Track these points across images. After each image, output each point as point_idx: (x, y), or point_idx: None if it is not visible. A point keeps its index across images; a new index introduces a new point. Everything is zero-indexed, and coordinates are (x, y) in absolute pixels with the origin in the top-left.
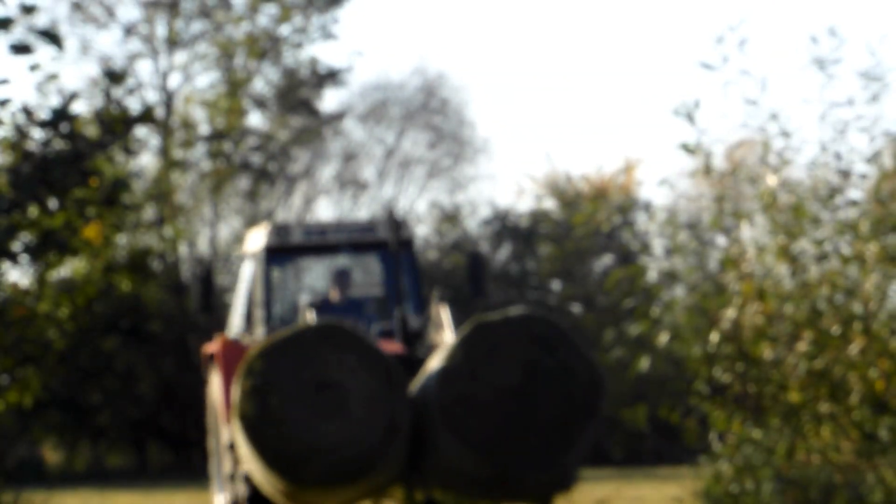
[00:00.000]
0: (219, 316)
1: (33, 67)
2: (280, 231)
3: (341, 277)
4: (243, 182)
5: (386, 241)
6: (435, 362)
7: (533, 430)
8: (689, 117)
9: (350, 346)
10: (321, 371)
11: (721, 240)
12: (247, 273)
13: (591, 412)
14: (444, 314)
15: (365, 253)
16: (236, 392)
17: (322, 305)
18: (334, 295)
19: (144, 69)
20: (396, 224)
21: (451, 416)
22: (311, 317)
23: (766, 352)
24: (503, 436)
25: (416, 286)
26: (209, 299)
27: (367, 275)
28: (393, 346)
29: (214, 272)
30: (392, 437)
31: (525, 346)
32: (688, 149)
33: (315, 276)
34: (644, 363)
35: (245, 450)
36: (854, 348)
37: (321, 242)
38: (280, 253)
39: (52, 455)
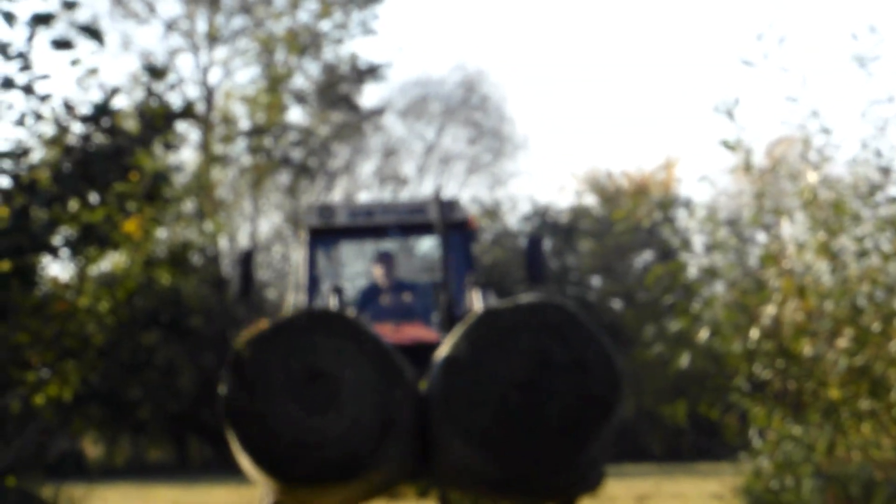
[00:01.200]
0: (259, 309)
1: (74, 62)
2: (324, 211)
3: (386, 260)
4: (283, 177)
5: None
6: (441, 351)
7: (543, 427)
8: (730, 114)
9: (346, 334)
10: (313, 361)
11: (761, 236)
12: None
13: (608, 409)
14: (477, 298)
15: (415, 235)
16: (222, 383)
17: (368, 291)
18: (381, 279)
19: (185, 65)
20: (443, 204)
21: (453, 410)
22: (333, 302)
23: (806, 348)
24: (510, 433)
25: (472, 268)
26: (249, 284)
27: (425, 259)
28: (425, 333)
29: (254, 257)
30: (388, 432)
31: (536, 335)
32: (728, 145)
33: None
34: (684, 359)
35: (234, 444)
36: (895, 345)
37: (368, 224)
38: (324, 235)
39: (92, 449)
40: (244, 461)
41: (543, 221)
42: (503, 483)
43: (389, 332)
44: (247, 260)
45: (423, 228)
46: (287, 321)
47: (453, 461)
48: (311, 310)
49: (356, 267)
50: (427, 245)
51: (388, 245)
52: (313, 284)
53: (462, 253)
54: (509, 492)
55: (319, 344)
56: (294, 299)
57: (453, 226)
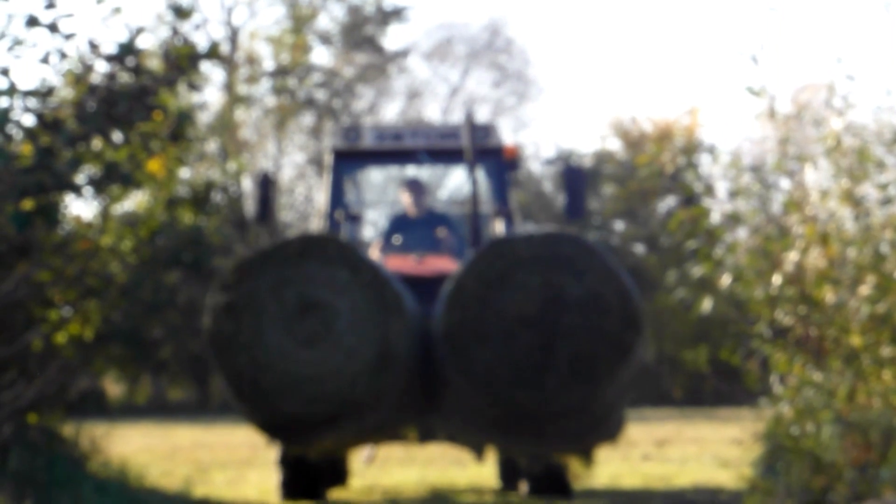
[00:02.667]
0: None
1: (99, 1)
2: (350, 133)
3: (414, 187)
4: (307, 118)
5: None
6: (446, 284)
7: (552, 368)
8: (755, 60)
9: (341, 261)
10: (306, 289)
11: (784, 183)
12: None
13: (625, 351)
14: (500, 230)
15: (447, 162)
16: (207, 311)
17: (398, 220)
18: (409, 208)
19: (210, 4)
20: (475, 128)
21: (455, 346)
22: (344, 231)
23: (829, 295)
24: (516, 372)
25: (504, 199)
26: (267, 208)
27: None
28: (449, 265)
29: (274, 180)
30: (386, 367)
31: (548, 268)
32: (753, 92)
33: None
34: (706, 305)
35: (220, 378)
36: None
37: (396, 147)
38: (349, 157)
39: (113, 388)
40: (231, 397)
41: (567, 165)
42: (509, 427)
43: (411, 264)
44: (265, 183)
45: (456, 154)
46: (278, 247)
47: (458, 402)
48: (304, 235)
49: (386, 194)
50: (463, 174)
51: (421, 171)
52: (335, 210)
53: (497, 182)
54: (516, 437)
55: (313, 272)
56: (316, 227)
57: (487, 152)
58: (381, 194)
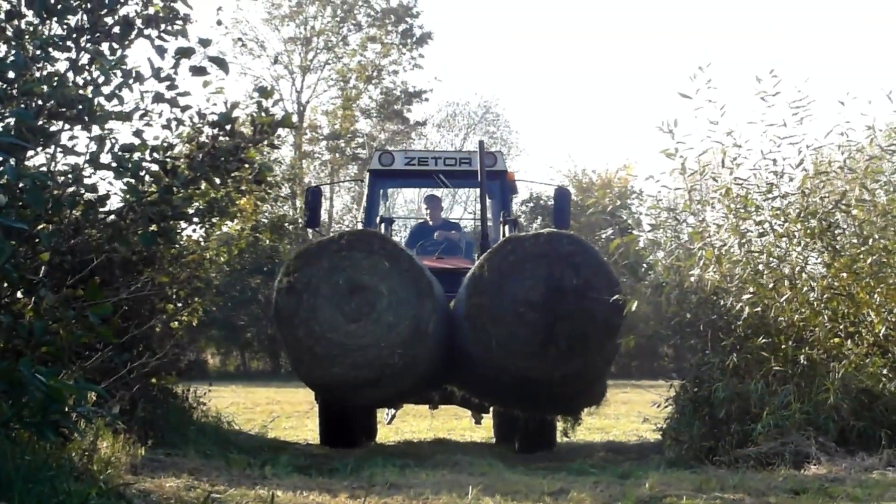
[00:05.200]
0: None
1: (206, 84)
2: (384, 157)
3: (432, 201)
4: (352, 169)
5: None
6: (468, 274)
7: (554, 342)
8: (671, 131)
9: (383, 252)
10: (353, 275)
11: (691, 219)
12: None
13: (612, 330)
14: (506, 233)
15: (459, 180)
16: (274, 289)
17: (421, 228)
18: (429, 218)
19: (285, 87)
20: (485, 154)
21: (475, 325)
22: (383, 227)
23: (721, 299)
24: (525, 346)
25: (509, 211)
26: (315, 216)
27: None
28: (462, 262)
29: (321, 192)
30: (418, 340)
31: (551, 262)
32: (668, 154)
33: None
34: (633, 306)
35: (283, 346)
36: (783, 298)
37: (421, 169)
38: (383, 176)
39: (212, 360)
40: (290, 361)
41: (537, 205)
42: (518, 392)
43: (432, 261)
44: (314, 194)
45: (469, 175)
46: (331, 240)
47: (475, 369)
48: (353, 231)
49: (411, 207)
50: (473, 193)
51: (439, 190)
52: (371, 218)
53: (500, 198)
54: (523, 401)
55: (359, 260)
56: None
57: (493, 174)
58: (408, 207)
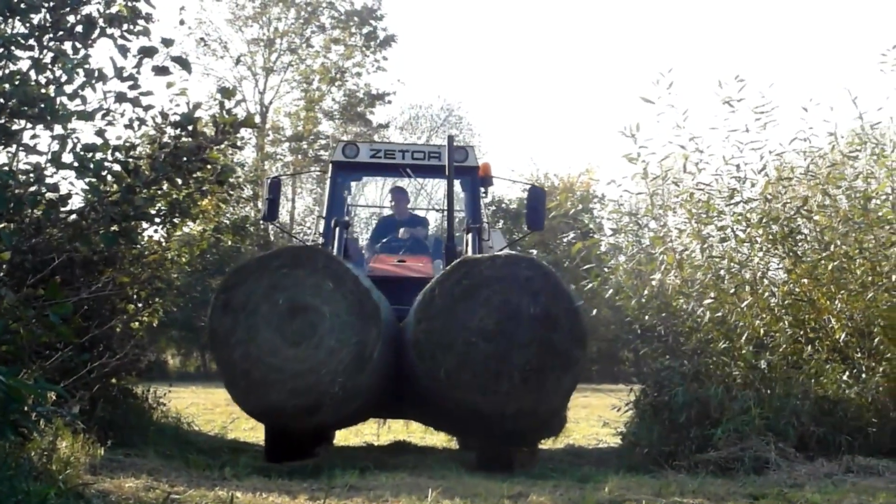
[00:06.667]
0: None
1: (169, 84)
2: (348, 148)
3: (398, 194)
4: (314, 170)
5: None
6: (419, 296)
7: (507, 374)
8: (633, 136)
9: (327, 271)
10: (295, 294)
11: (652, 224)
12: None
13: (572, 362)
14: (469, 243)
15: (427, 175)
16: (210, 309)
17: (386, 221)
18: (396, 211)
19: (248, 88)
20: (453, 149)
21: (423, 352)
22: (337, 232)
23: (682, 304)
24: (475, 378)
25: (477, 209)
26: (274, 207)
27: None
28: (422, 268)
29: (281, 184)
30: (361, 368)
31: (507, 287)
32: (630, 159)
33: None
34: (595, 310)
35: (217, 367)
36: (744, 303)
37: (386, 162)
38: (347, 168)
39: (172, 360)
40: (224, 383)
41: (499, 207)
42: (467, 425)
43: (391, 265)
44: (274, 186)
45: (437, 170)
46: (272, 255)
47: (423, 398)
48: (296, 247)
49: (375, 201)
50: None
51: (405, 181)
52: (333, 213)
53: (470, 195)
54: (473, 433)
55: (302, 279)
56: (317, 228)
57: (464, 170)
58: (372, 200)
